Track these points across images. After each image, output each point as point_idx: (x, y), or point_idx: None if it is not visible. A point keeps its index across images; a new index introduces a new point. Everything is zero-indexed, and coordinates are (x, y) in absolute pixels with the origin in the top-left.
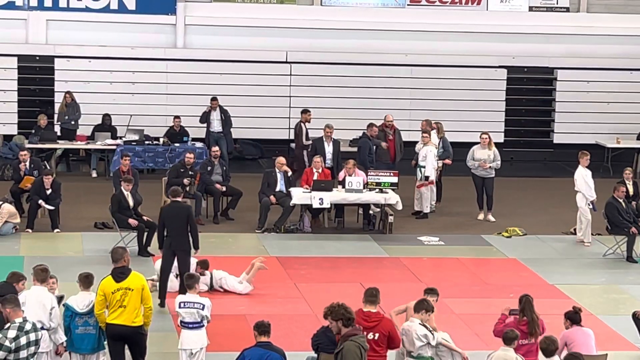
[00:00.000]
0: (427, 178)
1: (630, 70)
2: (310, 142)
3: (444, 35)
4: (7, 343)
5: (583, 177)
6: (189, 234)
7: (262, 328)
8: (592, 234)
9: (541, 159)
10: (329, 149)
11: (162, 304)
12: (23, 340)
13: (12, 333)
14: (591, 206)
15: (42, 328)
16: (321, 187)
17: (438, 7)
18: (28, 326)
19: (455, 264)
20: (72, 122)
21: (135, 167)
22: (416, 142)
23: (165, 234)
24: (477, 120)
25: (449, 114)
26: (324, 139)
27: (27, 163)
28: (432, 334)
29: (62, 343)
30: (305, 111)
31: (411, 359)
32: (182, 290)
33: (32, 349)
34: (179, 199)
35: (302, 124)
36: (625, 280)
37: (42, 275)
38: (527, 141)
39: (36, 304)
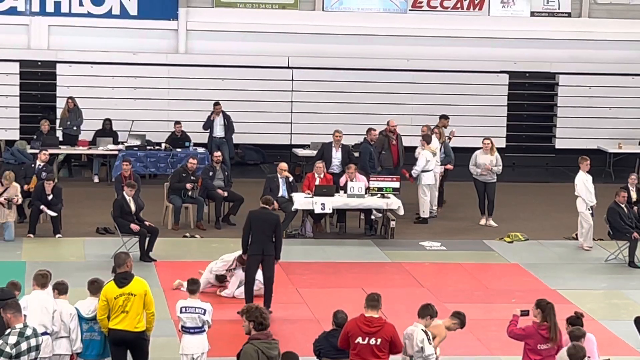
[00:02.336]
0: (410, 175)
1: (632, 75)
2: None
3: (445, 40)
4: (7, 349)
5: (583, 182)
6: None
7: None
8: (593, 239)
9: (543, 164)
10: (336, 154)
11: None
12: (24, 346)
13: (12, 339)
14: (590, 211)
15: (45, 333)
16: (323, 193)
17: (439, 13)
18: (29, 332)
19: (457, 269)
20: (74, 128)
21: (137, 172)
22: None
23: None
24: (478, 125)
25: (451, 119)
26: (333, 144)
27: (42, 164)
28: (430, 343)
29: (79, 353)
30: (444, 117)
31: None
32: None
33: (33, 354)
34: (269, 207)
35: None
36: (627, 285)
37: (42, 280)
38: (528, 146)
39: (38, 308)
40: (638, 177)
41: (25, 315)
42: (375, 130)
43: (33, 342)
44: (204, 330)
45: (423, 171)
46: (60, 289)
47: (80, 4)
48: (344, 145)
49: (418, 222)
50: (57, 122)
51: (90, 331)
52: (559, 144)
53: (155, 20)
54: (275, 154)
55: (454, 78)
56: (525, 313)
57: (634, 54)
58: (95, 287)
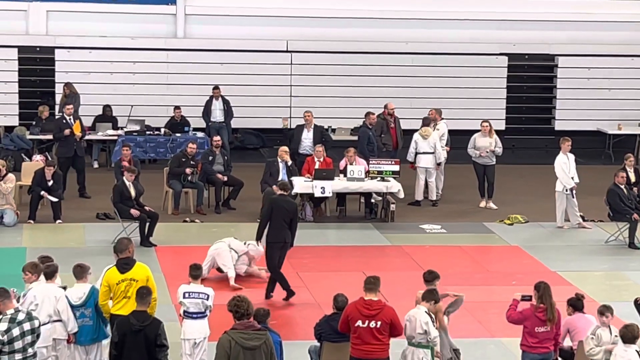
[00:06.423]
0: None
1: (632, 56)
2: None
3: (444, 23)
4: None
5: (560, 164)
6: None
7: (259, 318)
8: (592, 220)
9: (542, 146)
10: (307, 135)
11: (267, 297)
12: (16, 332)
13: (3, 326)
14: (568, 192)
15: (50, 321)
16: (323, 176)
17: None
18: (21, 316)
19: (457, 252)
20: None
21: (137, 157)
22: (417, 130)
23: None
24: (478, 107)
25: (450, 102)
26: (305, 126)
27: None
28: (434, 325)
29: (75, 332)
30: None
31: (412, 346)
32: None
33: (29, 338)
34: (286, 193)
35: None
36: (627, 266)
37: (37, 269)
38: (528, 128)
39: (47, 299)
40: (635, 158)
41: (37, 305)
42: (373, 114)
43: (27, 326)
44: (206, 315)
45: (418, 153)
46: (47, 274)
47: None
48: (317, 125)
49: (412, 204)
50: (56, 107)
51: (82, 317)
52: (558, 125)
53: (154, 4)
54: (274, 138)
55: (453, 61)
56: (526, 298)
57: (633, 35)
58: (79, 271)
